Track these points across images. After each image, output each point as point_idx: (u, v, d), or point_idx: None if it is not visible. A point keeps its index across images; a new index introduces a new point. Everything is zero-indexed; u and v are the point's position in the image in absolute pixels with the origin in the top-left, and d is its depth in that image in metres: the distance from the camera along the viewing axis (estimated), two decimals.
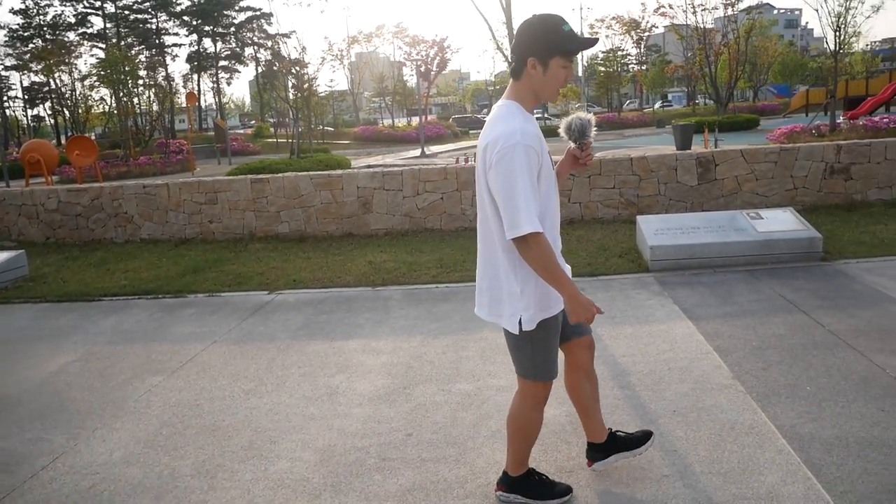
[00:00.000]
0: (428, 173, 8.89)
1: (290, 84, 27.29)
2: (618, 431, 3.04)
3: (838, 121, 20.76)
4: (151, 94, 33.67)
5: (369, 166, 15.72)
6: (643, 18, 42.58)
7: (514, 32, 2.51)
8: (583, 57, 50.52)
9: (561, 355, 2.79)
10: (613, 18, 43.07)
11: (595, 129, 2.78)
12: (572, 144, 2.77)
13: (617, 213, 8.61)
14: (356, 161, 23.50)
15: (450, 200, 8.79)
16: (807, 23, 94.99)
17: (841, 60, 48.40)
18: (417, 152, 26.26)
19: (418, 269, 7.04)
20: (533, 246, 2.34)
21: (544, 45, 2.39)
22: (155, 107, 34.23)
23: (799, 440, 3.22)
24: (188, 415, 4.03)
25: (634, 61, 53.02)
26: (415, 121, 40.09)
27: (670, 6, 30.54)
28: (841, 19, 19.87)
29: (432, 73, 39.80)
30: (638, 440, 3.01)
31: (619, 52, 48.55)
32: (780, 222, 6.67)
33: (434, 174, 8.87)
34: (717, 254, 6.37)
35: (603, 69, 49.20)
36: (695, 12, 29.26)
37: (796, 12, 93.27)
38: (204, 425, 3.87)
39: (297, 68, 26.38)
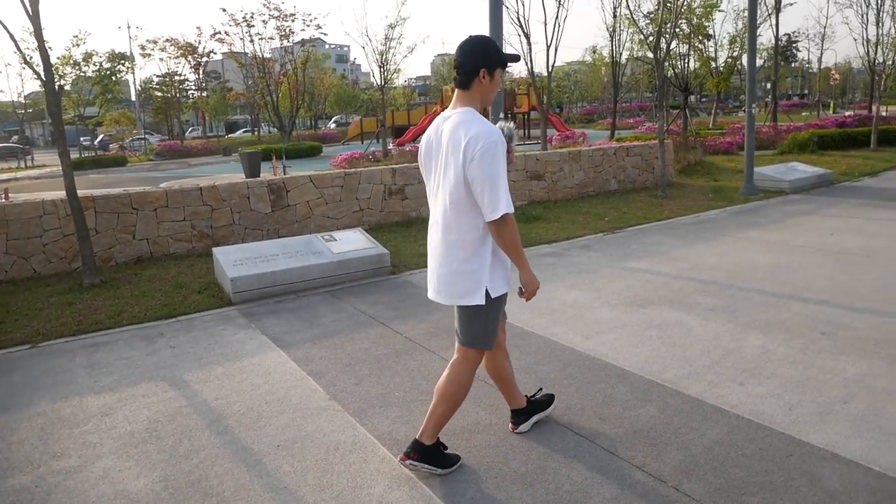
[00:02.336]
0: None
1: None
2: (531, 397, 3.63)
3: (389, 147, 23.33)
4: None
5: None
6: (199, 43, 41.97)
7: (457, 50, 2.94)
8: (136, 81, 47.56)
9: None
10: (168, 41, 41.40)
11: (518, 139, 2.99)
12: None
13: (191, 246, 8.21)
14: None
15: None
16: (355, 58, 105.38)
17: (387, 93, 54.78)
18: None
19: None
20: (509, 224, 2.81)
21: (492, 57, 2.90)
22: None
23: (397, 445, 3.41)
24: None
25: (194, 87, 51.88)
26: None
27: (226, 33, 30.83)
28: (384, 57, 22.35)
29: None
30: (546, 401, 3.66)
31: (177, 77, 46.95)
32: (352, 242, 7.13)
33: None
34: (298, 278, 6.51)
35: (160, 94, 47.06)
36: (252, 41, 30.01)
37: (345, 48, 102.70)
38: None
39: None
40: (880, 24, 21.12)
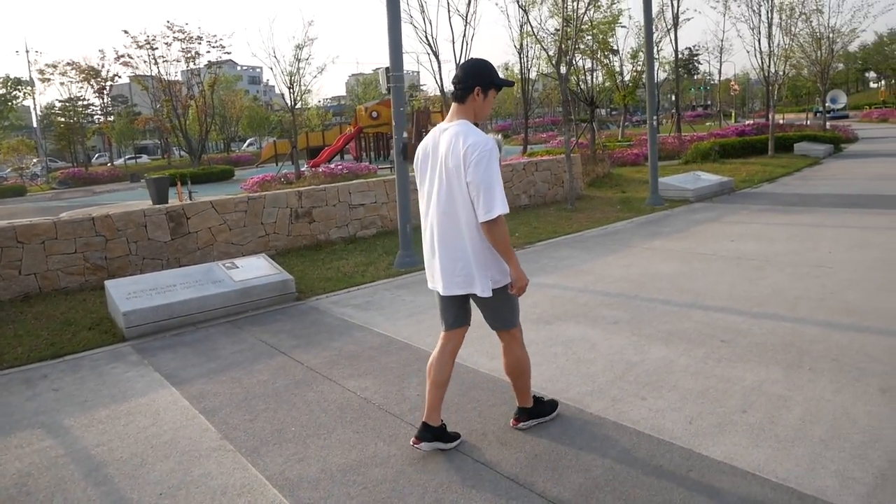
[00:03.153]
0: None
1: None
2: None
3: (302, 169, 22.95)
4: None
5: None
6: (103, 66, 40.34)
7: (459, 68, 3.29)
8: (36, 106, 45.29)
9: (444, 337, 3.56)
10: (69, 64, 39.56)
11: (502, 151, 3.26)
12: None
13: (84, 280, 7.73)
14: None
15: None
16: (268, 80, 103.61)
17: (300, 114, 54.08)
18: None
19: None
20: (500, 225, 3.09)
21: (487, 79, 3.23)
22: None
23: (289, 485, 3.22)
24: None
25: (99, 112, 49.84)
26: None
27: (130, 56, 29.71)
28: (293, 78, 22.00)
29: None
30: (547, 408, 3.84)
31: (81, 102, 45.01)
32: (256, 269, 6.87)
33: None
34: (197, 309, 6.20)
35: (63, 120, 45.01)
36: (156, 63, 29.02)
37: (258, 70, 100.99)
38: None
39: None
40: (771, 38, 22.25)
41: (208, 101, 28.88)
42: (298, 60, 21.59)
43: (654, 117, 12.19)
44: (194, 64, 27.29)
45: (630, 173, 17.23)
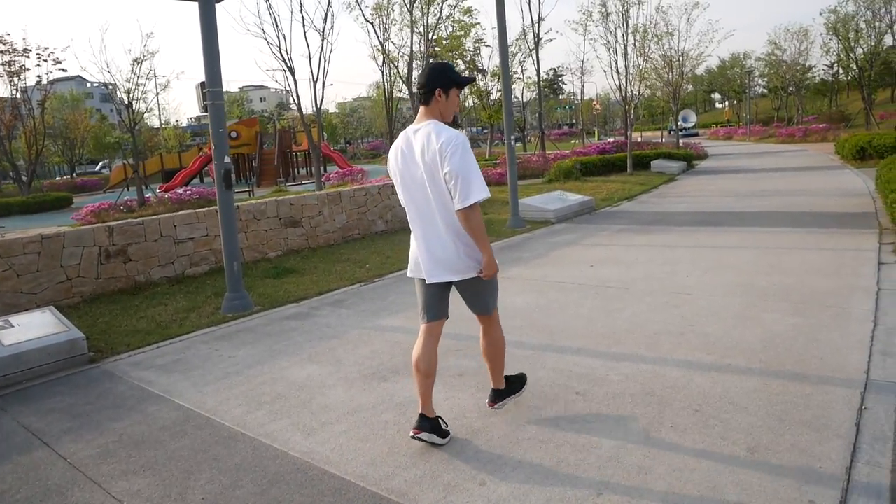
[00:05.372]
0: None
1: None
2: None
3: (147, 195, 21.14)
4: None
5: None
6: None
7: (420, 74, 3.66)
8: None
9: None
10: None
11: None
12: None
13: None
14: None
15: None
16: (122, 97, 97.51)
17: (155, 135, 50.86)
18: None
19: None
20: (476, 212, 3.38)
21: (447, 79, 3.52)
22: None
23: None
24: None
25: None
26: None
27: None
28: (131, 94, 20.26)
29: None
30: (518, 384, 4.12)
31: None
32: (37, 327, 5.64)
33: None
34: None
35: None
36: None
37: (112, 87, 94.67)
38: None
39: None
40: (627, 58, 22.84)
41: (37, 121, 25.90)
42: (137, 76, 19.89)
43: (513, 137, 11.80)
44: (19, 79, 24.44)
45: (494, 193, 16.85)
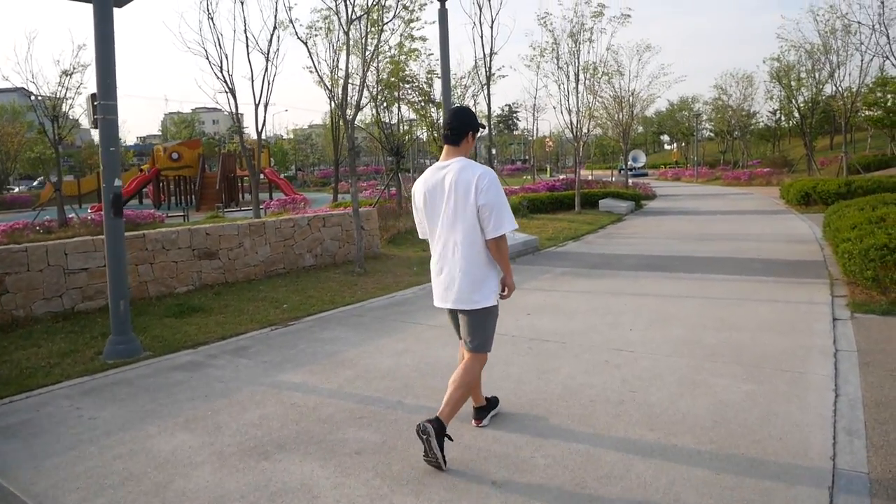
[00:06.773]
0: None
1: None
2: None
3: (70, 215, 19.86)
4: None
5: None
6: None
7: (452, 115, 3.87)
8: None
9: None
10: None
11: None
12: None
13: None
14: None
15: None
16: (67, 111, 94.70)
17: (93, 154, 48.89)
18: None
19: None
20: (505, 240, 3.71)
21: (476, 124, 3.85)
22: None
23: None
24: None
25: None
26: None
27: None
28: (57, 109, 19.10)
29: None
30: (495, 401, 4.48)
31: None
32: None
33: None
34: None
35: None
36: None
37: (37, 98, 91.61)
38: None
39: None
40: (578, 95, 22.58)
41: None
42: (66, 88, 18.76)
43: None
44: None
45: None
